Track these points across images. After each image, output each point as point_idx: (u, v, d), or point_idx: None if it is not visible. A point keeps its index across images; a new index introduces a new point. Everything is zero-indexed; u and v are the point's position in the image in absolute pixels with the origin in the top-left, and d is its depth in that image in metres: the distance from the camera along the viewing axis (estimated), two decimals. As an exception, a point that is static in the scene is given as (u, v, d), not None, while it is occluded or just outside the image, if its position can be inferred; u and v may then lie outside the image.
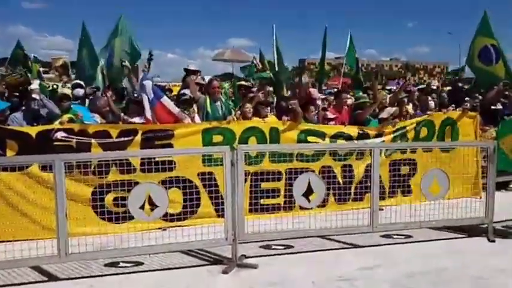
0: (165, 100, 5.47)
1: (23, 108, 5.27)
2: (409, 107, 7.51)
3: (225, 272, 4.04)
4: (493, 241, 4.96)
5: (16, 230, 4.55)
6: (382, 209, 5.95)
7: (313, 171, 5.28)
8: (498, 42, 8.21)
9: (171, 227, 5.05)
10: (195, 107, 5.82)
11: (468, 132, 6.88)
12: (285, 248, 4.67)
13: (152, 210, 4.09)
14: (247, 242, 4.47)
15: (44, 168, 4.64)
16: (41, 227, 4.63)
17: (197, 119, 5.74)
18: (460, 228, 5.24)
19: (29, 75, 7.26)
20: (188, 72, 7.09)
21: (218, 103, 5.93)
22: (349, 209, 5.63)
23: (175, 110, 5.46)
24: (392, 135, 6.32)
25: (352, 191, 6.05)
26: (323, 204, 5.61)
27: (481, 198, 6.36)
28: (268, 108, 6.38)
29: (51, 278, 3.95)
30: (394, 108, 6.69)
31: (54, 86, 7.32)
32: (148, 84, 5.42)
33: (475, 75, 9.37)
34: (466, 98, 8.14)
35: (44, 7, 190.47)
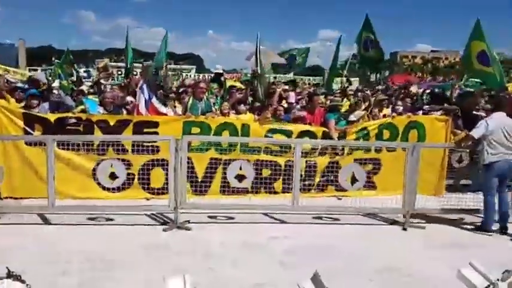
0: (154, 101, 6.94)
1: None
2: (387, 111, 8.18)
3: (165, 230, 5.39)
4: (405, 229, 5.73)
5: (31, 187, 6.24)
6: (341, 198, 6.97)
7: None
8: (489, 47, 8.46)
9: (154, 198, 6.52)
10: (177, 103, 7.19)
11: (439, 135, 7.35)
12: (226, 219, 5.88)
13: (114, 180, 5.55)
14: (190, 213, 5.71)
15: (58, 145, 6.29)
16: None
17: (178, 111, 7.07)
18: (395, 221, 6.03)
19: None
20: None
21: (200, 101, 7.19)
22: (315, 196, 6.70)
23: (162, 108, 6.92)
24: (354, 136, 7.15)
25: (315, 182, 7.02)
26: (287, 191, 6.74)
27: (443, 196, 7.06)
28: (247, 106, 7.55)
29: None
30: (362, 112, 7.50)
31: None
32: (145, 87, 6.93)
33: (477, 78, 9.67)
34: None
35: (149, 1, 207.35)
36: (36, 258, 4.32)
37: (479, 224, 5.91)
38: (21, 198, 6.28)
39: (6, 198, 6.29)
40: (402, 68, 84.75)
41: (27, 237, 5.05)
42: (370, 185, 7.07)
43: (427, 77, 47.81)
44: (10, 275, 2.18)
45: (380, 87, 14.27)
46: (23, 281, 2.19)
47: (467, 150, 7.02)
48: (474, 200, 6.34)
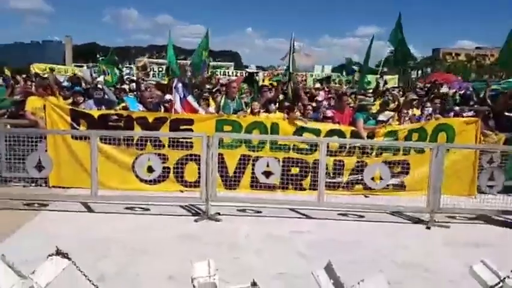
0: (190, 98, 7.32)
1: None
2: (417, 112, 8.21)
3: (196, 220, 5.77)
4: (429, 228, 5.84)
5: (76, 178, 6.78)
6: (368, 196, 7.12)
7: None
8: None
9: (188, 190, 6.92)
10: (211, 101, 7.56)
11: (468, 137, 7.33)
12: (254, 213, 6.19)
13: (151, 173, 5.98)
14: (220, 205, 6.08)
15: (100, 139, 6.79)
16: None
17: (211, 109, 7.43)
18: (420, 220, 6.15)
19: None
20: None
21: (232, 100, 7.54)
22: (343, 194, 6.92)
23: (196, 105, 7.30)
24: (383, 139, 7.26)
25: (344, 180, 7.20)
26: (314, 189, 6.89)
27: (475, 197, 7.09)
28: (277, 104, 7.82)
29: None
30: (391, 113, 7.59)
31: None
32: (180, 86, 7.32)
33: None
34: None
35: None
36: (78, 243, 4.75)
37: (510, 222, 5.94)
38: (67, 187, 6.84)
39: (55, 187, 6.87)
40: (444, 65, 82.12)
41: (72, 223, 5.56)
42: (398, 185, 7.21)
43: (470, 76, 46.10)
44: (58, 252, 2.57)
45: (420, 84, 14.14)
46: (69, 259, 2.57)
47: (498, 152, 6.99)
48: (504, 201, 6.36)
